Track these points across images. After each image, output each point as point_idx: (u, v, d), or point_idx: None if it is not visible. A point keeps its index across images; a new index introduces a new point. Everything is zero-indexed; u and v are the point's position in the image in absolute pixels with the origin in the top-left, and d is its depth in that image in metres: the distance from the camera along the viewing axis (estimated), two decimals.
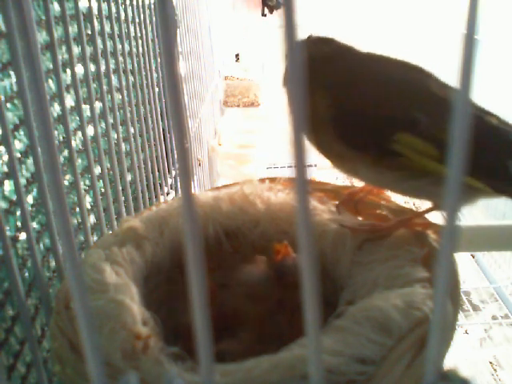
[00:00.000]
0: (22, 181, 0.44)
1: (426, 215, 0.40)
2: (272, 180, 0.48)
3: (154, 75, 0.80)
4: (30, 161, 0.46)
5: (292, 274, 0.39)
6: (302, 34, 0.15)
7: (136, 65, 0.70)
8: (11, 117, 0.43)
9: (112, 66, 0.59)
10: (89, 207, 0.58)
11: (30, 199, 0.45)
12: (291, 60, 0.15)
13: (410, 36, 1.95)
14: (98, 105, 0.57)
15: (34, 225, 0.46)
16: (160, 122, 0.81)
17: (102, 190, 0.54)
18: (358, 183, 0.44)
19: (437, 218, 0.39)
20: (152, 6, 0.82)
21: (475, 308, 1.36)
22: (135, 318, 0.32)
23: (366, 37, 1.93)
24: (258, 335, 0.38)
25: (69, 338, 0.32)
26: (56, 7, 0.50)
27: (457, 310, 0.32)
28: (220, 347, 0.35)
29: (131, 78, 0.67)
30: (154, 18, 0.83)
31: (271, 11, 0.91)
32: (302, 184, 0.16)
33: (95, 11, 0.56)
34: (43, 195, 0.38)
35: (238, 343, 0.38)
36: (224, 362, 0.29)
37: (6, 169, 0.41)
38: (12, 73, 0.43)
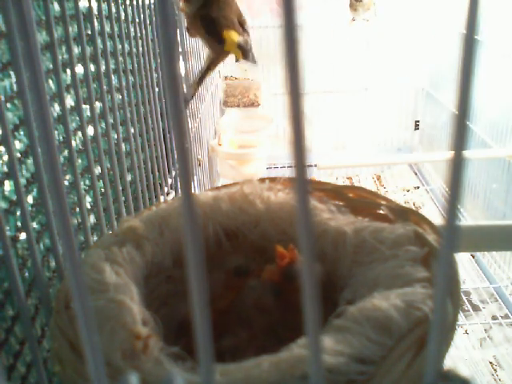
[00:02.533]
0: (22, 181, 0.44)
1: (425, 215, 0.40)
2: (272, 180, 0.48)
3: (154, 75, 0.80)
4: (29, 161, 0.46)
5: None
6: (301, 33, 0.15)
7: (136, 65, 0.70)
8: (11, 117, 0.43)
9: (112, 66, 0.59)
10: (89, 207, 0.58)
11: (30, 199, 0.45)
12: (291, 60, 0.15)
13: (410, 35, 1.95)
14: (98, 105, 0.57)
15: (34, 225, 0.46)
16: (160, 122, 0.81)
17: (102, 189, 0.54)
18: (357, 183, 0.44)
19: (436, 217, 0.39)
20: (152, 6, 0.82)
21: (475, 308, 1.36)
22: (135, 317, 0.32)
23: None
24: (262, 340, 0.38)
25: (69, 338, 0.32)
26: (56, 7, 0.50)
27: (457, 310, 0.31)
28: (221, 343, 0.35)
29: (131, 78, 0.67)
30: (153, 18, 0.83)
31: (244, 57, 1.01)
32: (302, 184, 0.16)
33: (95, 11, 0.56)
34: (43, 195, 0.38)
35: (237, 341, 0.38)
36: (224, 362, 0.29)
37: (6, 169, 0.42)
38: (12, 73, 0.43)
